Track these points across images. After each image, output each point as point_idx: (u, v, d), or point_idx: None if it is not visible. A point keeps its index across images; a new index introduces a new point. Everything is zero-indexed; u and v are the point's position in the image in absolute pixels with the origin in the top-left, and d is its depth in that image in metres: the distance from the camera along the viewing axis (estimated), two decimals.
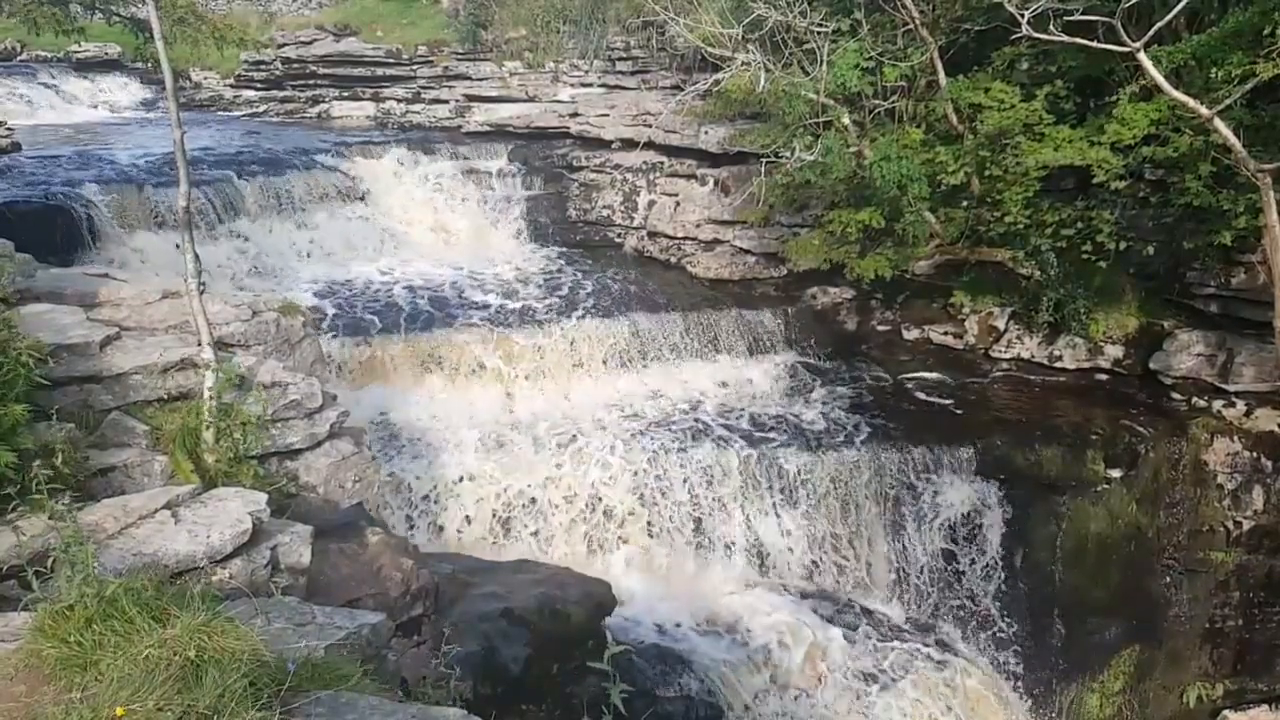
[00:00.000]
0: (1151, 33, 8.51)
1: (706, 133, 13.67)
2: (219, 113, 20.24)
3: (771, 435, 10.38)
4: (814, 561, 9.84)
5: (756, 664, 8.58)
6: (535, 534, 9.51)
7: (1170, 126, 9.72)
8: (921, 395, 11.28)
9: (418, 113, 18.53)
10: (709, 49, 11.97)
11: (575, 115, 15.79)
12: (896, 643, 9.26)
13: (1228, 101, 8.62)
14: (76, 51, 20.85)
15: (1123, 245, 10.32)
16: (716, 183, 13.72)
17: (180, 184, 6.01)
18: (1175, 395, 10.65)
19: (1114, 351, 11.12)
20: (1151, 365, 10.81)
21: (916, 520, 9.87)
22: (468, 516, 9.45)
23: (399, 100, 18.89)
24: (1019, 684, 9.79)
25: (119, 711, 2.95)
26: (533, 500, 9.55)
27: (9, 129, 12.95)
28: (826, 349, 12.38)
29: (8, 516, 4.46)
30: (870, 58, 11.14)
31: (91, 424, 5.83)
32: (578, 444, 9.95)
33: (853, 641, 9.11)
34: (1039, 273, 11.06)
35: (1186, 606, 10.13)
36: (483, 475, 9.57)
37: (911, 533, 9.87)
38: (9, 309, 6.12)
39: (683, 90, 13.08)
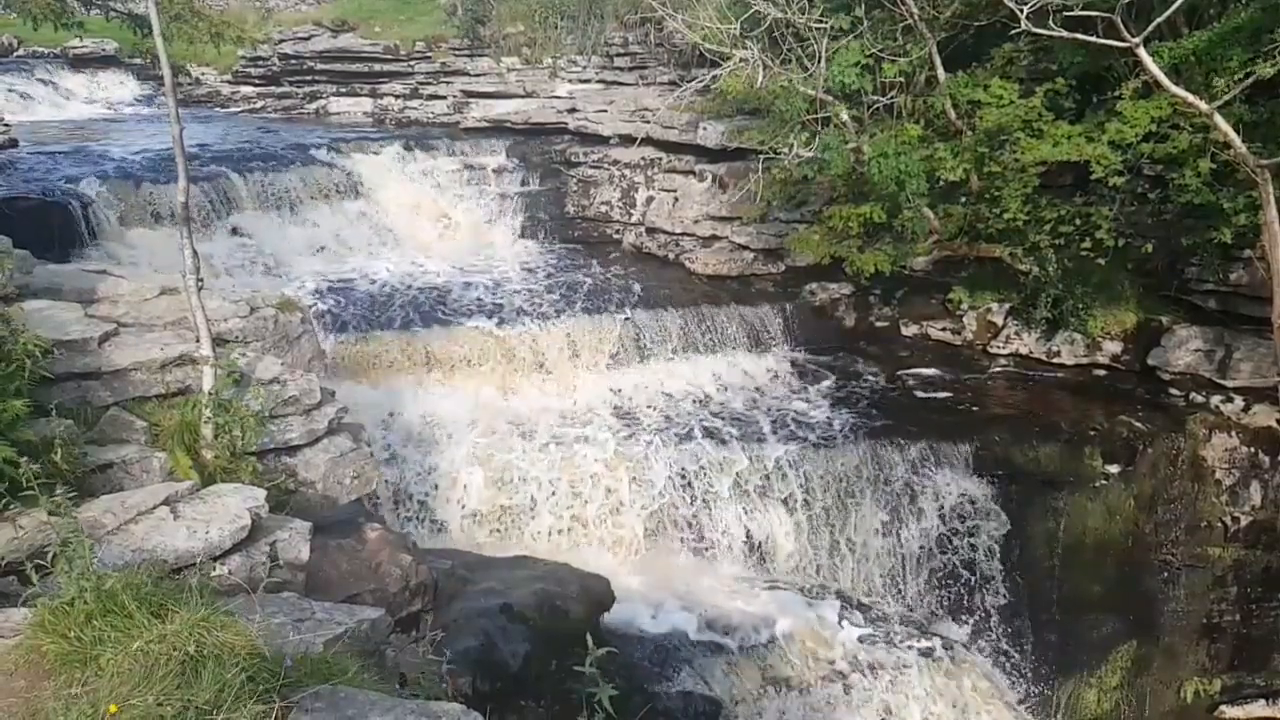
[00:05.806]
0: (1151, 28, 8.50)
1: (705, 129, 13.66)
2: (217, 109, 20.20)
3: (769, 431, 10.38)
4: (811, 557, 9.85)
5: (754, 659, 8.59)
6: (534, 530, 9.53)
7: (1170, 124, 9.72)
8: (919, 391, 11.29)
9: (415, 109, 18.49)
10: (707, 45, 11.94)
11: (573, 111, 15.76)
12: (894, 638, 9.26)
13: (1227, 96, 8.61)
14: (73, 48, 20.77)
15: (1121, 242, 10.33)
16: (715, 179, 13.72)
17: (179, 180, 5.98)
18: (1173, 391, 10.66)
19: (1112, 347, 11.14)
20: (1150, 361, 10.83)
21: (914, 516, 9.88)
22: (466, 512, 9.47)
23: (396, 96, 18.85)
24: (1017, 679, 9.81)
25: (111, 709, 2.96)
26: (531, 496, 9.56)
27: (6, 125, 12.91)
28: (825, 345, 12.38)
29: (7, 512, 4.45)
30: (869, 54, 11.13)
31: (90, 420, 5.82)
32: (576, 440, 9.96)
33: (850, 637, 9.12)
34: (1037, 269, 11.06)
35: (1184, 602, 10.13)
36: (481, 471, 9.58)
37: (909, 528, 9.87)
38: (8, 305, 6.11)
39: (681, 86, 13.05)
